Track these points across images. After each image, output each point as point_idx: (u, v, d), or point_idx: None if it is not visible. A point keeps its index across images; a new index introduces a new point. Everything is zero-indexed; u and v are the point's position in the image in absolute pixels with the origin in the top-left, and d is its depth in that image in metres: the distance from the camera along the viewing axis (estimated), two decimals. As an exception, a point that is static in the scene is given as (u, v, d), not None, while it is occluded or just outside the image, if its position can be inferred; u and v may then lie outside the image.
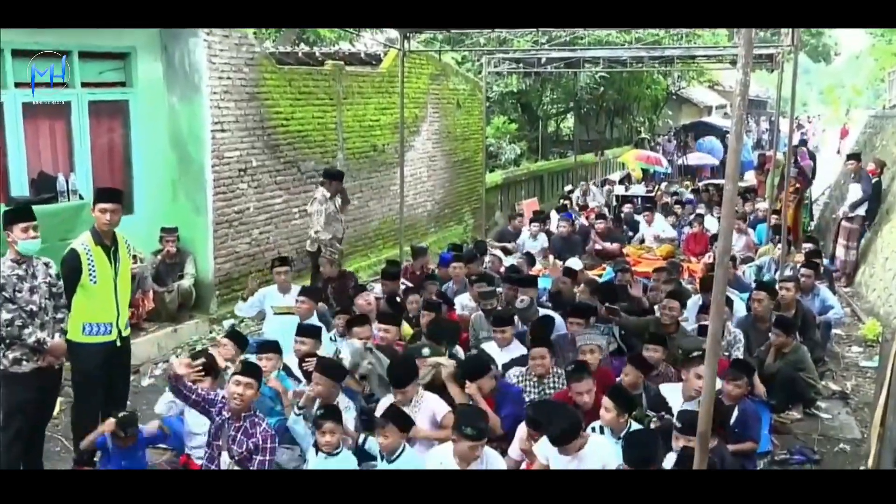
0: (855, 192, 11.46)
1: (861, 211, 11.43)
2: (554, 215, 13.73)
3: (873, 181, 11.50)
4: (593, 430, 5.03)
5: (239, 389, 4.83)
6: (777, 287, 7.74)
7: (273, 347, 6.25)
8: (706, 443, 3.85)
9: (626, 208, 14.85)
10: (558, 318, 7.45)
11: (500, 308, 7.56)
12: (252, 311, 8.27)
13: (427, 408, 5.42)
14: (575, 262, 9.99)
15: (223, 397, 4.98)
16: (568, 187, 18.11)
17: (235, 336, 6.51)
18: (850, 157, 12.20)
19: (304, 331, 6.48)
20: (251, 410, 4.93)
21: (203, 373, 5.36)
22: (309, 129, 10.65)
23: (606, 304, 7.39)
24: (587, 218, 13.49)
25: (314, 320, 7.22)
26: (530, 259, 10.52)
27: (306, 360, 6.01)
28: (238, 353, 6.27)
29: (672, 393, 5.77)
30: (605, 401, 5.02)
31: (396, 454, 4.83)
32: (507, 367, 6.31)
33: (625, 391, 5.32)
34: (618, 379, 5.90)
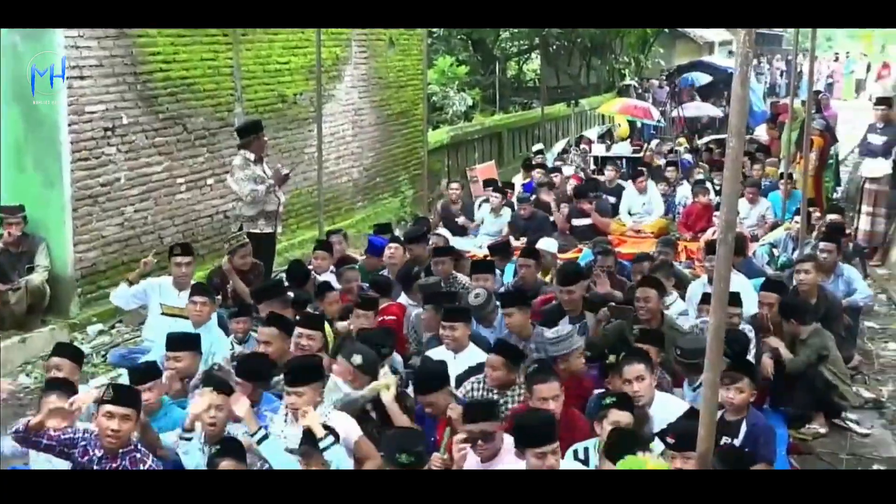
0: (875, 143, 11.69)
1: (888, 168, 11.64)
2: (518, 179, 13.84)
3: None
4: (575, 453, 5.06)
5: (113, 424, 4.80)
6: (794, 270, 7.96)
7: (189, 342, 6.32)
8: (705, 466, 3.96)
9: (608, 172, 14.85)
10: None
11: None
12: (133, 302, 8.13)
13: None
14: (549, 243, 9.99)
15: (86, 433, 4.92)
16: (537, 146, 18.15)
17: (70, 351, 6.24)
18: (878, 101, 12.46)
19: (178, 343, 6.34)
20: (130, 445, 4.91)
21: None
22: (196, 74, 10.59)
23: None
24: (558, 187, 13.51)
25: (212, 327, 7.18)
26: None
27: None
28: (75, 371, 6.05)
29: (665, 405, 5.69)
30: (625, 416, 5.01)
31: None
32: (461, 378, 6.16)
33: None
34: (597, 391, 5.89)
